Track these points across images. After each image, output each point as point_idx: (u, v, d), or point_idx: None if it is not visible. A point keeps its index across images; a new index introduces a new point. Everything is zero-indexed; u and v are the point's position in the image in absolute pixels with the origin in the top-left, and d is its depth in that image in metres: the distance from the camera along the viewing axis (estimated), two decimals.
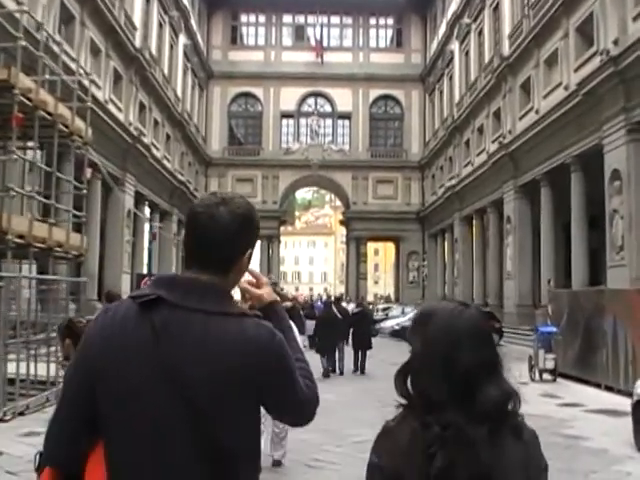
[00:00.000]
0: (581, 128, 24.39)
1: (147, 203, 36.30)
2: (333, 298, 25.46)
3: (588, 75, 22.87)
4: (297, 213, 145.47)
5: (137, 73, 32.73)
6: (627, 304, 14.73)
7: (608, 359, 15.39)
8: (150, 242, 27.10)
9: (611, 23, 22.10)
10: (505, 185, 33.43)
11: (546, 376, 17.34)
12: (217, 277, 1.96)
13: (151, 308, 1.87)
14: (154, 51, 36.83)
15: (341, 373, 19.32)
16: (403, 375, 1.83)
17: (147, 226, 37.83)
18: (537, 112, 29.20)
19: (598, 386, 15.75)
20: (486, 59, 37.73)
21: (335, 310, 20.24)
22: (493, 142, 35.37)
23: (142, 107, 34.57)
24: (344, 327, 19.98)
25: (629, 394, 13.93)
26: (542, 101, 28.84)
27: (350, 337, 20.41)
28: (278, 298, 2.28)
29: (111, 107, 28.99)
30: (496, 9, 36.38)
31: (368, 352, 19.73)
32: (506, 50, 33.46)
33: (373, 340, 20.75)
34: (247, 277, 2.25)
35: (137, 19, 33.04)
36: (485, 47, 38.35)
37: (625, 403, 11.56)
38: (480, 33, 39.57)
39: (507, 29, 33.88)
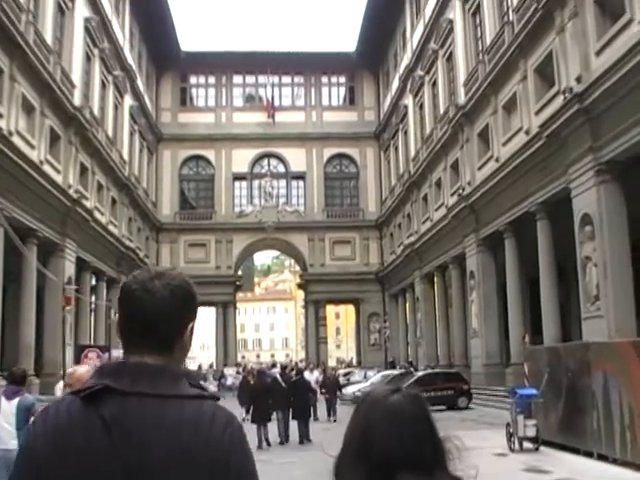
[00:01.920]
0: (546, 173, 23.11)
1: (91, 270, 34.21)
2: (279, 366, 26.10)
3: (551, 116, 21.61)
4: (256, 279, 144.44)
5: (77, 133, 30.93)
6: (619, 359, 12.89)
7: (600, 423, 13.49)
8: (63, 308, 24.92)
9: (572, 60, 20.95)
10: (467, 239, 32.04)
11: (527, 445, 15.35)
12: (163, 358, 1.85)
13: (97, 400, 1.74)
14: (96, 111, 35.16)
15: (286, 441, 19.25)
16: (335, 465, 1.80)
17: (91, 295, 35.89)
18: (497, 160, 27.98)
19: (589, 455, 13.83)
20: (441, 110, 36.71)
21: (279, 379, 20.47)
22: (452, 195, 34.11)
23: (84, 169, 32.73)
24: (285, 395, 19.73)
25: (628, 464, 12.21)
26: (502, 148, 27.63)
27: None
28: None
29: (47, 168, 27.14)
30: (449, 59, 35.50)
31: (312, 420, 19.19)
32: (462, 99, 32.41)
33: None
34: None
35: (76, 77, 31.40)
36: (440, 98, 37.37)
37: (628, 475, 9.81)
38: (434, 84, 38.65)
39: (462, 77, 32.89)
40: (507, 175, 26.34)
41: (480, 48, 31.11)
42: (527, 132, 24.84)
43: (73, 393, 1.83)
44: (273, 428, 19.26)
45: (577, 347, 15.55)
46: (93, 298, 35.93)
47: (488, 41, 29.37)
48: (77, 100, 30.99)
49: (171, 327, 1.89)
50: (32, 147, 25.77)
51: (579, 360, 14.41)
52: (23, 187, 24.40)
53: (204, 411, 1.79)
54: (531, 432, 14.90)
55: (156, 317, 1.85)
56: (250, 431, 18.85)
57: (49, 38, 27.90)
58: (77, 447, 1.71)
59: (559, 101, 21.27)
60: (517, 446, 15.38)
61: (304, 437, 19.07)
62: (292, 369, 24.99)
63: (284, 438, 19.37)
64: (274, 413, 19.42)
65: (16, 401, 7.96)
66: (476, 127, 31.02)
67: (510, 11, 27.15)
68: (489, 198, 28.81)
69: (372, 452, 1.70)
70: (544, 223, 24.29)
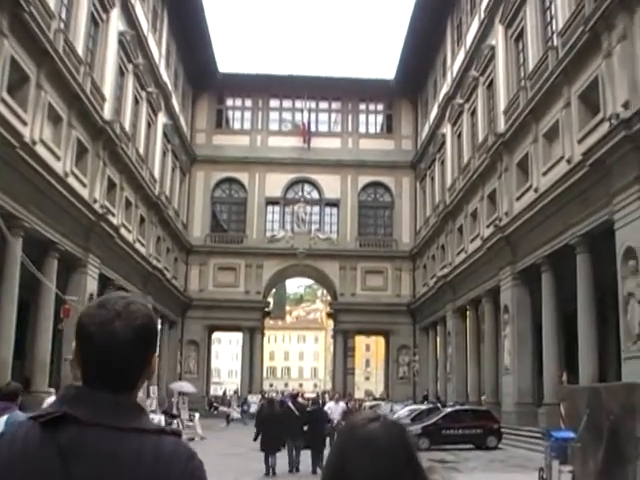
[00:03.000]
0: (588, 203, 21.93)
1: (115, 289, 33.43)
2: (290, 394, 25.95)
3: (595, 143, 20.51)
4: (288, 307, 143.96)
5: (105, 147, 30.33)
6: None
7: None
8: (61, 320, 23.86)
9: (620, 85, 19.88)
10: (502, 272, 30.82)
11: None
12: (124, 394, 1.78)
13: (56, 428, 1.69)
14: (127, 127, 34.60)
15: (297, 470, 18.94)
16: None
17: None
18: (536, 190, 26.81)
19: None
20: (480, 139, 35.67)
21: (292, 407, 20.30)
22: (488, 226, 32.95)
23: (112, 185, 32.10)
24: (297, 424, 19.43)
25: None
26: (542, 178, 26.48)
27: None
28: None
29: (72, 181, 26.51)
30: (490, 86, 34.53)
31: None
32: (501, 127, 31.36)
33: None
34: None
35: (107, 90, 30.82)
36: (479, 127, 36.36)
37: None
38: (473, 113, 37.67)
39: (502, 105, 31.85)
40: (546, 206, 25.18)
41: (522, 75, 30.12)
42: (569, 161, 23.73)
43: (33, 418, 1.75)
44: (284, 457, 19.07)
45: (621, 388, 14.19)
46: None
47: (531, 67, 28.38)
48: (107, 114, 30.40)
49: (134, 370, 1.80)
50: (57, 158, 25.14)
51: (623, 403, 13.11)
52: (45, 198, 23.73)
53: (164, 446, 1.72)
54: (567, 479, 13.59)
55: (118, 363, 1.76)
56: (257, 459, 18.82)
57: (80, 49, 27.36)
58: (29, 472, 1.64)
59: (604, 128, 20.17)
60: None
61: (316, 467, 18.54)
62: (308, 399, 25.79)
63: (295, 467, 19.07)
64: (285, 442, 19.26)
65: (4, 418, 7.25)
66: (515, 156, 29.92)
67: (554, 35, 26.14)
68: (527, 230, 27.66)
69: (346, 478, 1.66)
70: (584, 257, 23.07)
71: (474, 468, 19.16)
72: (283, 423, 19.19)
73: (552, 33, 26.84)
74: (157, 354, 1.94)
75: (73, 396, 1.76)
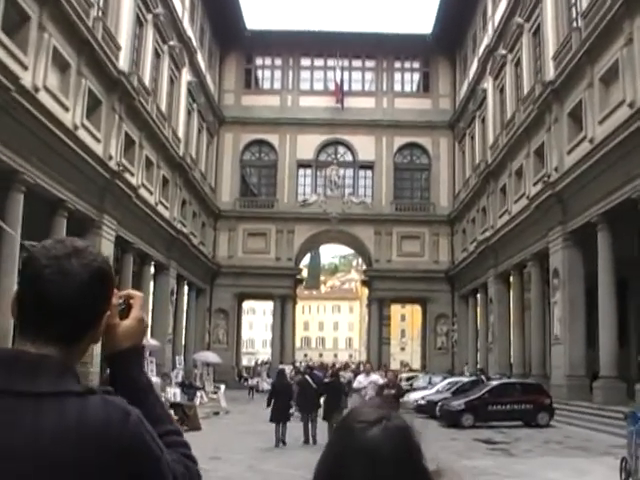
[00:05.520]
0: None
1: (135, 253, 31.48)
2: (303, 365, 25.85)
3: None
4: (322, 278, 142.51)
5: (122, 101, 28.19)
6: None
7: None
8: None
9: None
10: (551, 232, 28.33)
11: None
12: (58, 349, 1.57)
13: None
14: (147, 81, 32.44)
15: (314, 442, 18.31)
16: None
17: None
18: (591, 141, 24.26)
19: None
20: (525, 90, 33.00)
21: (309, 379, 20.24)
22: (535, 184, 30.44)
23: (130, 142, 30.02)
24: (315, 396, 19.39)
25: None
26: (598, 127, 23.92)
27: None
28: (141, 340, 1.79)
29: (84, 134, 24.42)
30: (536, 32, 31.86)
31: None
32: (550, 75, 28.73)
33: None
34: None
35: (123, 40, 28.60)
36: (524, 78, 33.66)
37: None
38: (517, 63, 34.98)
39: (551, 51, 29.19)
40: (604, 157, 22.65)
41: (574, 15, 27.43)
42: (631, 105, 21.14)
43: None
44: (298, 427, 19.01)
45: None
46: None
47: (584, 4, 25.65)
48: (123, 64, 28.20)
49: (87, 318, 1.61)
50: (65, 108, 23.03)
51: None
52: (51, 152, 21.62)
53: (89, 410, 1.51)
54: None
55: (69, 306, 1.56)
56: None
57: None
58: None
59: None
60: None
61: None
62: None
63: (311, 439, 18.67)
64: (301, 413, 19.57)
65: None
66: (567, 105, 27.30)
67: None
68: (580, 185, 25.15)
69: None
70: None
71: (529, 451, 16.89)
72: (291, 394, 19.64)
73: None
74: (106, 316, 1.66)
75: None
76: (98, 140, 26.15)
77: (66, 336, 1.58)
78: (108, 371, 1.79)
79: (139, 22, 31.57)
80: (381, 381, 20.91)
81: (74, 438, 1.46)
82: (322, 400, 19.37)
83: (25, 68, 20.13)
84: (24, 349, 1.55)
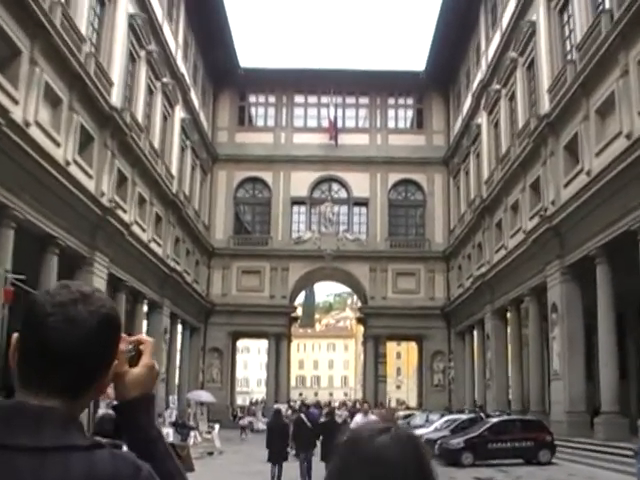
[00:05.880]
0: None
1: (127, 291, 31.03)
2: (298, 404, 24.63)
3: None
4: (317, 316, 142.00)
5: (114, 137, 27.96)
6: None
7: None
8: (3, 306, 19.96)
9: None
10: (549, 267, 28.03)
11: None
12: (62, 401, 1.46)
13: None
14: (140, 118, 32.28)
15: None
16: None
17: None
18: (588, 173, 24.05)
19: None
20: (520, 125, 32.92)
21: (304, 417, 20.12)
22: (531, 218, 30.21)
23: (122, 179, 29.75)
24: (310, 435, 19.06)
25: None
26: (594, 159, 23.74)
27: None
28: (152, 388, 1.67)
29: (75, 171, 24.12)
30: (530, 66, 31.86)
31: None
32: (545, 108, 28.64)
33: None
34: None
35: (115, 75, 28.51)
36: (518, 112, 33.63)
37: None
38: (512, 98, 34.95)
39: (545, 85, 29.15)
40: (601, 189, 22.41)
41: (568, 48, 27.43)
42: (628, 136, 20.96)
43: None
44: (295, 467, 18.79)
45: None
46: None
47: (579, 37, 25.62)
48: (116, 100, 28.06)
49: (93, 369, 1.51)
50: (57, 144, 22.72)
51: None
52: (43, 188, 21.26)
53: (97, 464, 1.40)
54: None
55: (75, 355, 1.46)
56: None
57: (83, 27, 24.94)
58: None
59: None
60: None
61: None
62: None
63: (306, 478, 18.50)
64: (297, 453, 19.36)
65: None
66: (562, 138, 27.16)
67: None
68: (577, 218, 24.88)
69: None
70: None
71: None
72: (287, 434, 19.40)
73: None
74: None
75: None
76: (90, 176, 25.84)
77: (71, 387, 1.49)
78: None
79: (132, 58, 31.49)
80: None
81: None
82: (319, 440, 19.10)
83: (16, 102, 19.85)
84: (26, 401, 1.45)
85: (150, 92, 34.52)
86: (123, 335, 1.62)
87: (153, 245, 34.10)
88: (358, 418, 22.08)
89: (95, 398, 1.58)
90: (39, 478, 1.35)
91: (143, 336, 1.73)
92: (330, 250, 47.64)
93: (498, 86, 36.42)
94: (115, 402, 1.65)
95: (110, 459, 1.42)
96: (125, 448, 1.59)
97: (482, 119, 40.48)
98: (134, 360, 1.65)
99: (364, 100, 52.31)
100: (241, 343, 65.52)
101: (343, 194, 50.89)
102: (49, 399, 1.45)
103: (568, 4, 27.32)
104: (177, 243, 39.52)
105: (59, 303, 1.47)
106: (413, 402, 63.16)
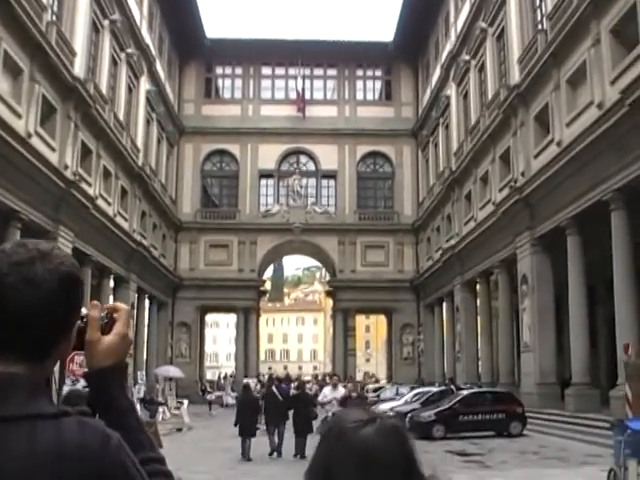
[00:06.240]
0: (624, 152, 19.04)
1: (92, 265, 30.44)
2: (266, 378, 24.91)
3: (633, 81, 17.65)
4: (286, 290, 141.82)
5: (78, 108, 27.26)
6: None
7: None
8: None
9: None
10: (519, 238, 27.93)
11: None
12: (25, 365, 1.41)
13: None
14: (104, 89, 31.55)
15: (279, 455, 18.56)
16: None
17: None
18: (559, 144, 23.88)
19: None
20: (490, 95, 32.68)
21: (275, 391, 20.25)
22: (501, 190, 30.08)
23: (87, 151, 29.10)
24: (282, 408, 19.36)
25: None
26: (565, 130, 23.57)
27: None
28: (124, 357, 1.61)
29: (37, 143, 23.51)
30: (500, 36, 31.58)
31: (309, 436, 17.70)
32: (515, 78, 28.39)
33: None
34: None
35: (78, 45, 27.76)
36: (488, 83, 33.39)
37: None
38: (481, 69, 34.67)
39: (516, 55, 28.88)
40: (572, 159, 22.25)
41: (539, 18, 27.15)
42: (599, 106, 20.79)
43: None
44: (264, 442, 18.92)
45: None
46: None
47: (550, 7, 25.34)
48: (79, 71, 27.35)
49: (54, 330, 1.43)
50: (17, 115, 22.15)
51: None
52: (3, 160, 20.72)
53: (65, 433, 1.35)
54: None
55: (37, 317, 1.39)
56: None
57: None
58: None
59: None
60: None
61: (299, 453, 17.97)
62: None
63: (277, 452, 18.73)
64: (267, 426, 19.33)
65: None
66: (533, 109, 26.96)
67: None
68: (548, 189, 24.73)
69: None
70: (620, 214, 20.17)
71: (505, 462, 16.27)
72: (258, 408, 19.80)
73: None
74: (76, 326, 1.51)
75: None
76: (53, 149, 25.25)
77: (34, 351, 1.42)
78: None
79: (95, 28, 30.71)
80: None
81: (46, 465, 1.30)
82: (291, 413, 19.22)
83: None
84: None
85: (114, 63, 33.75)
86: (96, 302, 1.58)
87: (119, 219, 33.54)
88: (327, 390, 22.02)
89: (59, 359, 1.51)
90: (4, 448, 1.30)
91: (118, 303, 1.64)
92: (298, 223, 47.33)
93: (467, 57, 36.11)
94: (85, 369, 1.57)
95: (78, 428, 1.36)
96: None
97: (451, 90, 40.20)
98: (107, 328, 1.57)
99: (332, 72, 51.75)
100: (210, 317, 65.17)
101: (311, 167, 50.47)
102: (12, 364, 1.39)
103: None
104: (143, 217, 38.94)
105: (16, 262, 1.40)
106: (382, 375, 63.26)
